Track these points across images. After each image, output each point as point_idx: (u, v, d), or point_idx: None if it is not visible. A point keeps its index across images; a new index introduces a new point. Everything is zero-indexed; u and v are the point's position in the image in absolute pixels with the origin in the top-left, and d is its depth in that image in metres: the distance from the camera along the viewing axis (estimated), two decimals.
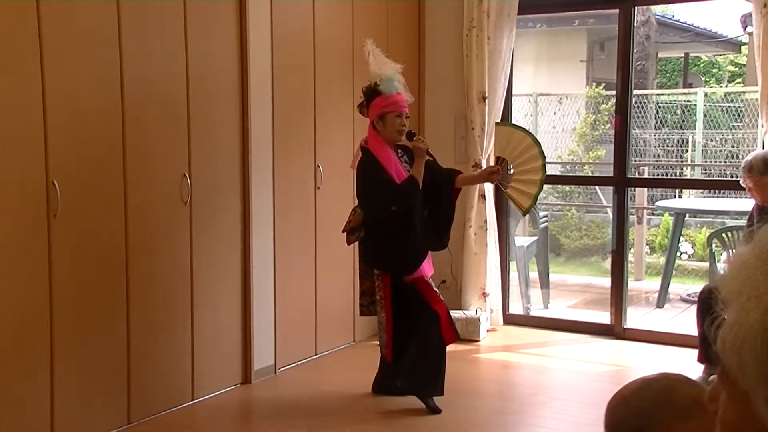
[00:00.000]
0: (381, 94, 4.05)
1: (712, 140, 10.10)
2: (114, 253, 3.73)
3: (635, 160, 9.29)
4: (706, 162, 10.09)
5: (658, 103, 10.64)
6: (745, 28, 10.01)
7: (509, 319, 5.84)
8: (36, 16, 3.32)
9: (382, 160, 4.04)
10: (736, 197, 7.52)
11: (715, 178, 9.47)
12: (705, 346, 4.47)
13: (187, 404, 4.15)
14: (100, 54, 3.63)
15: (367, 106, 4.11)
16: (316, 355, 5.02)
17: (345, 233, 4.25)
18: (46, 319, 3.43)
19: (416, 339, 4.16)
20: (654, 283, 7.49)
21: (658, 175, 9.98)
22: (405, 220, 4.01)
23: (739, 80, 12.59)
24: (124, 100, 3.73)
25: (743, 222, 4.95)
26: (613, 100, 7.34)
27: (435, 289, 4.21)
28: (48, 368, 3.45)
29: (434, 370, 4.16)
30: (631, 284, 6.84)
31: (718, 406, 1.02)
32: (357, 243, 4.33)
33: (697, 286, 6.75)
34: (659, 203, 8.27)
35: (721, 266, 5.97)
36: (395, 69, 4.12)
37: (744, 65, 12.28)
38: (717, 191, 8.71)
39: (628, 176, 5.55)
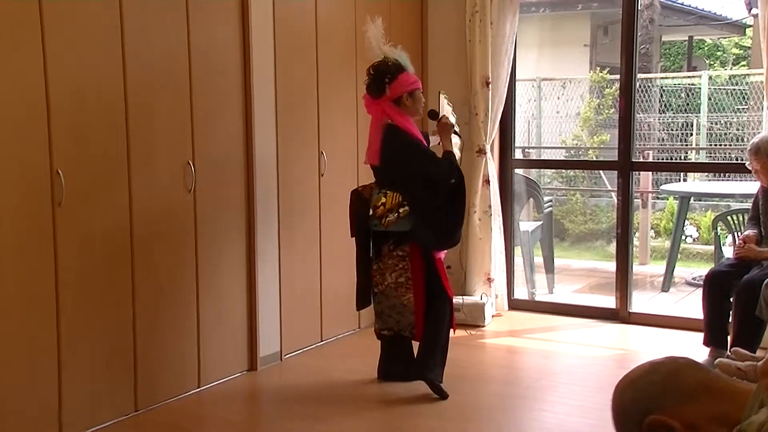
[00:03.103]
0: (406, 71, 4.06)
1: (716, 123, 10.06)
2: (119, 241, 3.74)
3: (640, 144, 9.27)
4: (711, 145, 10.06)
5: (662, 87, 10.59)
6: (749, 11, 9.96)
7: (514, 304, 5.85)
8: (38, 4, 3.31)
9: (417, 135, 4.07)
10: (741, 180, 7.50)
11: (720, 162, 9.43)
12: (711, 329, 4.48)
13: (194, 391, 4.16)
14: (102, 43, 3.62)
15: (392, 81, 4.00)
16: (321, 341, 5.03)
17: (380, 218, 4.05)
18: (52, 308, 3.44)
19: (431, 323, 4.15)
20: (659, 267, 7.49)
21: (662, 159, 9.95)
22: (460, 190, 4.11)
23: (743, 63, 12.53)
24: (127, 89, 3.72)
25: (748, 205, 4.93)
26: (617, 85, 7.31)
27: None
28: (55, 357, 3.46)
29: (444, 355, 4.17)
30: (636, 268, 6.84)
31: None
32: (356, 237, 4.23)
33: (702, 270, 6.74)
34: (664, 187, 8.25)
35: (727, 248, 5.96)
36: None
37: (749, 48, 12.21)
38: (722, 174, 8.68)
39: (633, 160, 5.53)
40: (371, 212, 4.12)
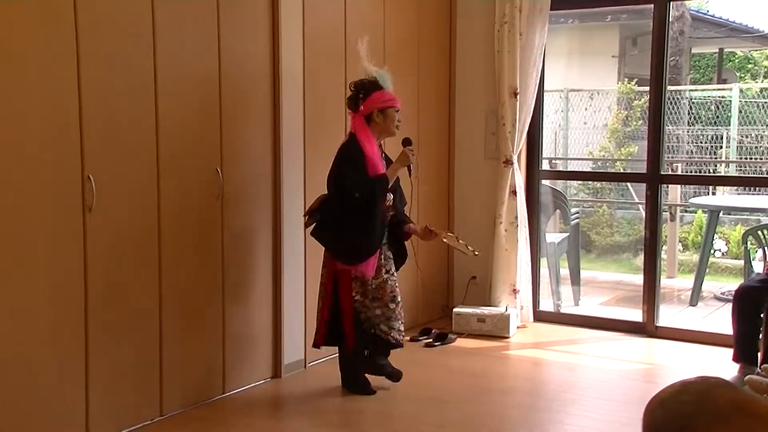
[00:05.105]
0: (382, 89, 4.16)
1: (747, 137, 9.95)
2: (147, 247, 3.77)
3: (668, 157, 9.19)
4: (741, 158, 9.94)
5: (691, 99, 10.49)
6: None
7: (539, 316, 5.81)
8: (73, 14, 3.36)
9: (367, 150, 4.13)
10: None
11: (750, 175, 9.32)
12: (740, 345, 4.42)
13: (218, 398, 4.18)
14: (134, 51, 3.66)
15: (365, 98, 4.15)
16: None
17: (305, 216, 4.35)
18: (80, 312, 3.47)
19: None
20: (687, 281, 7.41)
21: (691, 172, 9.85)
22: (366, 210, 4.09)
23: None
24: (158, 97, 3.76)
25: None
26: (645, 96, 7.25)
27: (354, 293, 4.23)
28: (83, 362, 3.49)
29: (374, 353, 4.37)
30: (664, 282, 6.77)
31: None
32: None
33: (731, 284, 6.66)
34: (693, 200, 8.17)
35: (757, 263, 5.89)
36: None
37: None
38: (752, 188, 8.57)
39: (662, 173, 5.48)
40: None
